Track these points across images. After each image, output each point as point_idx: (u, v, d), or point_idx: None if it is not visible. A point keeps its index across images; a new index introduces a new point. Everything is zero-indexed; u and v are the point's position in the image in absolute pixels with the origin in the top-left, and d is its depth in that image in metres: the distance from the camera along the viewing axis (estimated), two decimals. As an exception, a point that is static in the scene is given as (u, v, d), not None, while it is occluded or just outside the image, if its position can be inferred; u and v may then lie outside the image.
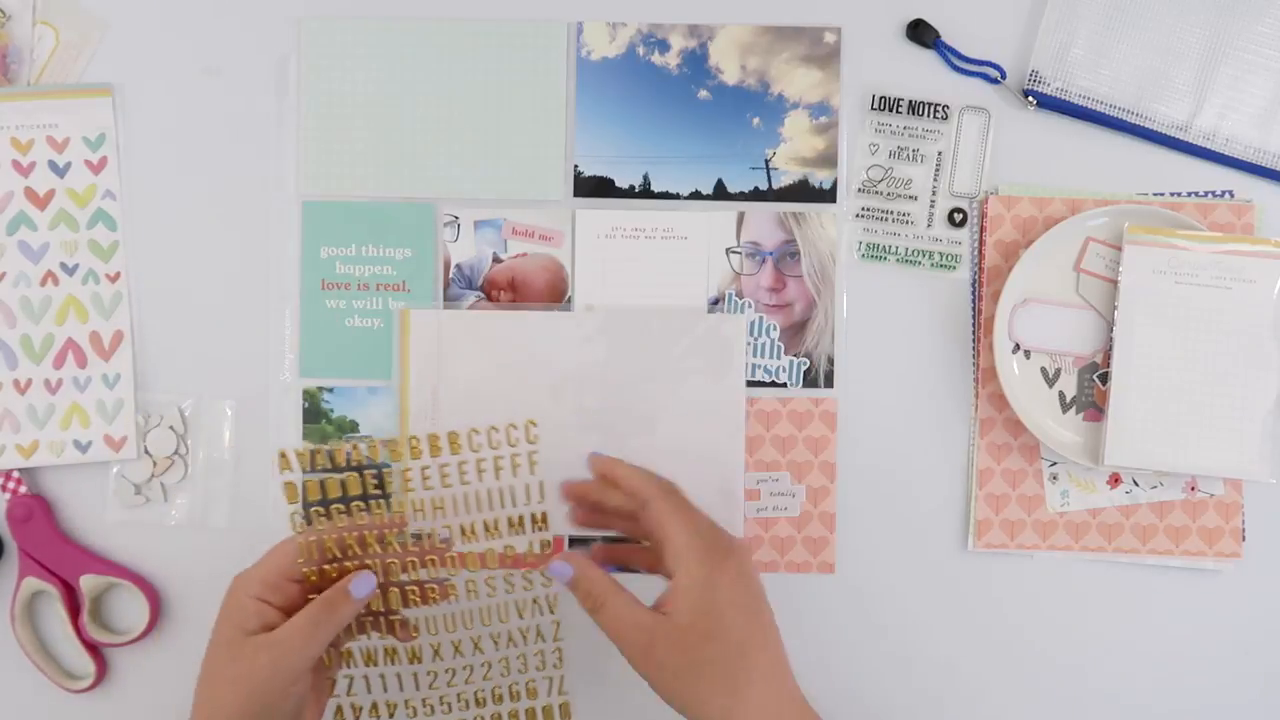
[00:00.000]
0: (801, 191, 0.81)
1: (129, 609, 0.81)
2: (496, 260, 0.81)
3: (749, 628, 0.65)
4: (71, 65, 0.80)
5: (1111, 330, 0.79)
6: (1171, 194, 0.81)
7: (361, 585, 0.66)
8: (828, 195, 0.81)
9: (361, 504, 0.68)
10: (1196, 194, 0.81)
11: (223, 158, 0.81)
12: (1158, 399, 0.78)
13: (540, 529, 0.70)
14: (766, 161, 0.81)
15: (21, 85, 0.80)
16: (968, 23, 0.81)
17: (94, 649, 0.80)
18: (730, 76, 0.81)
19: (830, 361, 0.81)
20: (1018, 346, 0.80)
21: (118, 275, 0.80)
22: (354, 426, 0.81)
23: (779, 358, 0.81)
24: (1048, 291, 0.80)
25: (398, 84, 0.81)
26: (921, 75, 0.81)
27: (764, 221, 0.81)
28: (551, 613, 0.71)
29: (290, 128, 0.81)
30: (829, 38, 0.81)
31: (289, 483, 0.67)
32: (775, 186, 0.81)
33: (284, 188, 0.81)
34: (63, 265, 0.80)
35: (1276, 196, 0.81)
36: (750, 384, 0.81)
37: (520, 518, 0.70)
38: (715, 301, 0.81)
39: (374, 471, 0.68)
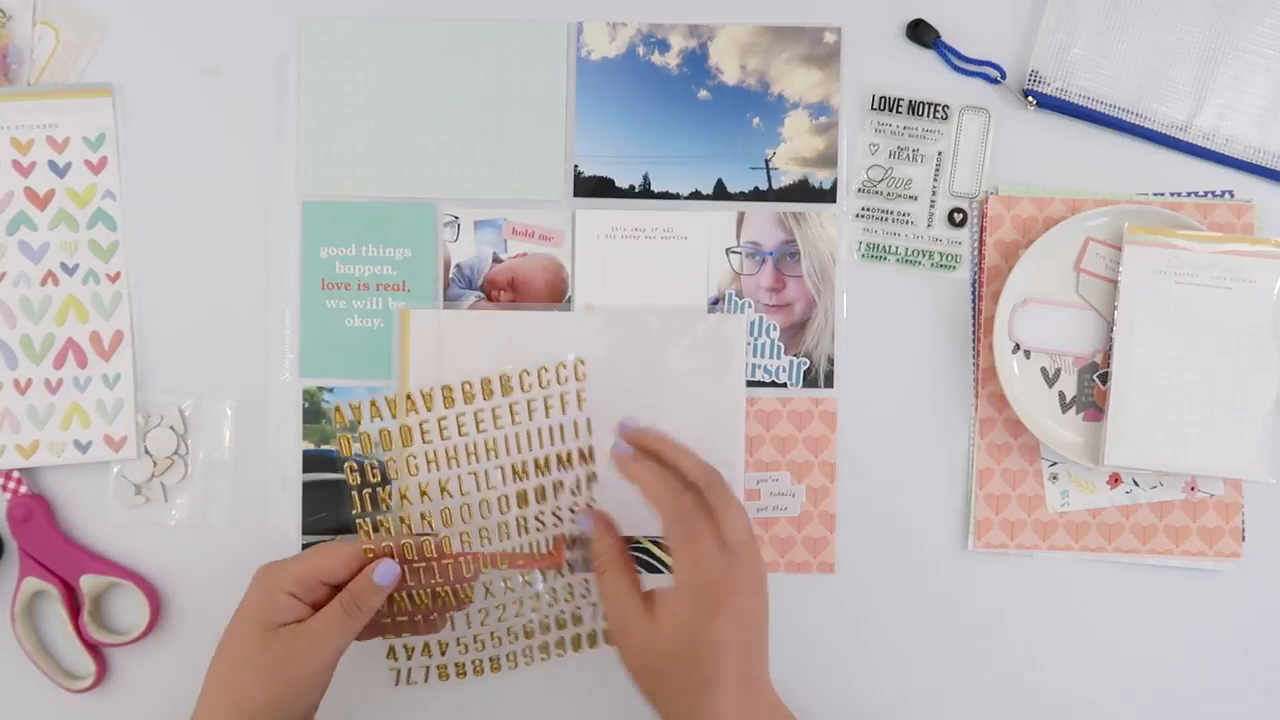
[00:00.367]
0: (801, 191, 0.81)
1: (129, 609, 0.81)
2: (496, 260, 0.81)
3: (718, 666, 0.64)
4: (71, 65, 0.80)
5: (1111, 330, 0.79)
6: (1171, 194, 0.81)
7: (385, 573, 0.68)
8: (828, 195, 0.81)
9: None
10: (1196, 194, 0.81)
11: (222, 158, 0.81)
12: (1158, 399, 0.78)
13: (586, 464, 0.76)
14: (766, 161, 0.81)
15: (21, 85, 0.80)
16: (968, 23, 0.81)
17: (94, 649, 0.79)
18: (730, 76, 0.81)
19: (830, 361, 0.81)
20: (1018, 346, 0.80)
21: (118, 275, 0.80)
22: (354, 426, 0.80)
23: (779, 358, 0.81)
24: (1048, 291, 0.80)
25: (398, 84, 0.81)
26: (921, 75, 0.81)
27: (764, 221, 0.81)
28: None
29: (290, 128, 0.81)
30: (829, 38, 0.81)
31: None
32: (775, 186, 0.81)
33: (284, 188, 0.81)
34: (63, 265, 0.80)
35: (1276, 196, 0.81)
36: (750, 384, 0.81)
37: (568, 454, 0.76)
38: (715, 301, 0.81)
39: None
